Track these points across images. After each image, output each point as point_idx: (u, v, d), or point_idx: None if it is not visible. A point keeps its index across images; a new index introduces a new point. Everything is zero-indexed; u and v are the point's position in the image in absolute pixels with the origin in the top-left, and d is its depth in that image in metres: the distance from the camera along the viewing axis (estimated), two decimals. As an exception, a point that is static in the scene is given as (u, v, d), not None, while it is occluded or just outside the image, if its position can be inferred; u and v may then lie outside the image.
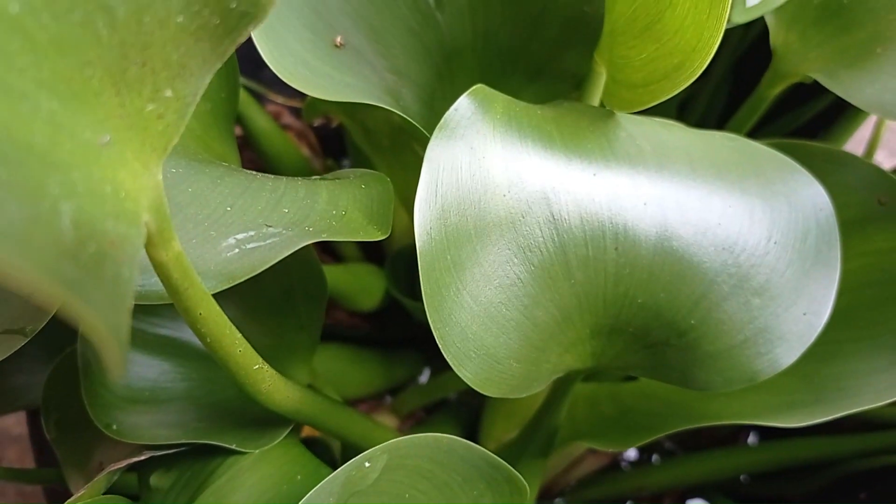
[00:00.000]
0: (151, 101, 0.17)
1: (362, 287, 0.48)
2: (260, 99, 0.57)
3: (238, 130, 0.51)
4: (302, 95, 0.58)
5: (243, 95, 0.49)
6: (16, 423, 0.73)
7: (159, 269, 0.20)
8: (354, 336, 0.55)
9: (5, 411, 0.41)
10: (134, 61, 0.16)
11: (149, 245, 0.19)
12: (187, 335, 0.33)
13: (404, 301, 0.50)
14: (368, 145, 0.47)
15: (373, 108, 0.45)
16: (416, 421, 0.55)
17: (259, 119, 0.51)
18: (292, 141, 0.57)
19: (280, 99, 0.57)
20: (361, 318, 0.55)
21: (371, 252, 0.56)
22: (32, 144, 0.15)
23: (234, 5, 0.17)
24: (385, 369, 0.54)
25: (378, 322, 0.56)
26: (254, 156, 0.55)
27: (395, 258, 0.52)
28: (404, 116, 0.30)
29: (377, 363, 0.54)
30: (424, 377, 0.58)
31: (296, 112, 0.58)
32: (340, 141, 0.60)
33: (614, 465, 0.56)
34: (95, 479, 0.30)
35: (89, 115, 0.16)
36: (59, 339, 0.41)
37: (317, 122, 0.55)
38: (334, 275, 0.46)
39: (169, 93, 0.17)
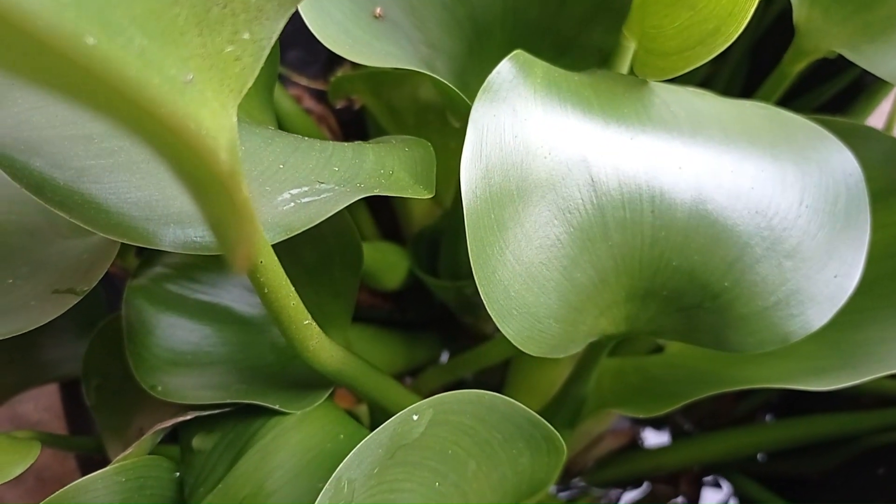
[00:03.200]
0: (230, 42, 0.18)
1: (389, 265, 0.48)
2: (283, 81, 0.58)
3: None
4: (325, 78, 0.59)
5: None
6: (34, 408, 0.73)
7: (227, 213, 0.20)
8: (376, 317, 0.56)
9: (38, 383, 0.42)
10: (216, 2, 0.17)
11: (221, 187, 0.19)
12: (227, 300, 0.34)
13: (427, 280, 0.50)
14: (393, 125, 0.48)
15: (400, 85, 0.45)
16: (437, 400, 0.55)
17: (283, 100, 0.51)
18: (314, 124, 0.57)
19: (303, 81, 0.58)
20: (382, 298, 0.56)
21: (388, 232, 0.57)
22: (126, 79, 0.15)
23: (312, -51, 0.17)
24: (406, 350, 0.55)
25: (399, 303, 0.57)
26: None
27: (417, 238, 0.52)
28: (443, 82, 0.31)
29: (399, 344, 0.54)
30: (444, 359, 0.59)
31: (317, 96, 0.59)
32: (361, 125, 0.61)
33: (632, 444, 0.57)
34: (140, 440, 0.31)
35: (175, 53, 0.17)
36: (90, 314, 0.41)
37: (340, 105, 0.55)
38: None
39: (246, 35, 0.18)
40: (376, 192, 0.25)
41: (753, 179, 0.30)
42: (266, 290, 0.23)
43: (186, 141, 0.12)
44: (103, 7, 0.15)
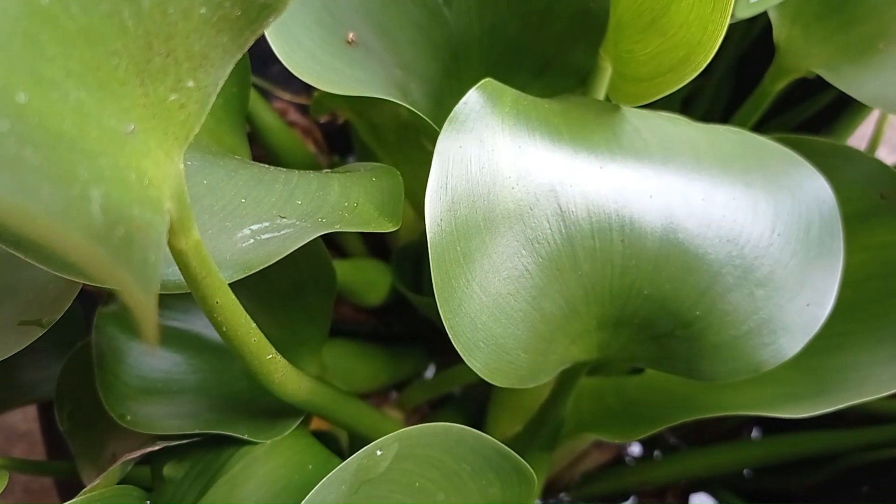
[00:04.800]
0: (174, 90, 0.17)
1: (368, 282, 0.48)
2: (266, 95, 0.57)
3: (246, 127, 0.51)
4: (308, 92, 0.58)
5: (251, 92, 0.49)
6: (23, 419, 0.73)
7: (178, 257, 0.20)
8: (360, 331, 0.56)
9: (17, 405, 0.42)
10: (158, 52, 0.17)
11: (169, 233, 0.19)
12: (199, 327, 0.34)
13: (410, 296, 0.50)
14: (375, 141, 0.48)
15: (380, 103, 0.45)
16: (421, 416, 0.55)
17: (266, 115, 0.51)
18: (298, 137, 0.57)
19: (287, 96, 0.57)
20: (367, 314, 0.56)
21: (375, 247, 0.57)
22: (62, 132, 0.15)
23: (255, -3, 0.17)
24: (390, 365, 0.55)
25: (383, 317, 0.57)
26: (260, 151, 0.56)
27: (401, 253, 0.52)
28: (413, 110, 0.31)
29: (383, 358, 0.54)
30: (430, 373, 0.59)
31: (302, 109, 0.59)
32: (346, 138, 0.60)
33: (618, 460, 0.57)
34: (109, 469, 0.30)
35: (115, 104, 0.16)
36: (69, 334, 0.41)
37: (323, 119, 0.55)
38: (341, 270, 0.46)
39: (191, 83, 0.18)
40: (337, 229, 0.25)
41: (725, 207, 0.30)
42: (224, 329, 0.23)
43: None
44: (36, 62, 0.15)
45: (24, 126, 0.14)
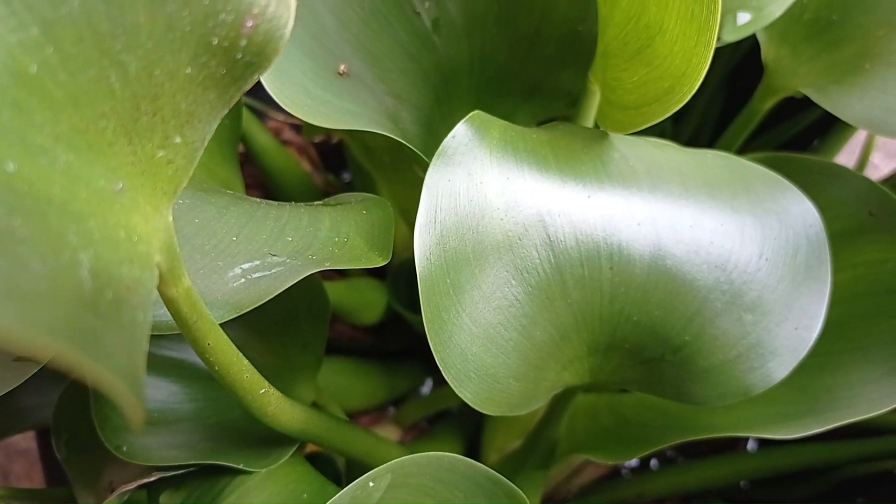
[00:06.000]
0: (162, 147, 0.18)
1: (364, 302, 0.48)
2: (261, 116, 0.58)
3: (240, 147, 0.52)
4: (302, 112, 0.59)
5: (245, 114, 0.49)
6: (22, 437, 0.73)
7: (169, 304, 0.21)
8: (356, 348, 0.56)
9: (16, 431, 0.42)
10: (145, 112, 0.17)
11: (160, 283, 0.19)
12: (193, 357, 0.34)
13: (405, 314, 0.50)
14: (369, 162, 0.48)
15: (372, 127, 0.45)
16: (418, 432, 0.55)
17: (260, 136, 0.52)
18: (293, 156, 0.58)
19: (281, 116, 0.58)
20: (363, 331, 0.56)
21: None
22: (52, 197, 0.15)
23: (240, 56, 0.17)
24: (387, 381, 0.55)
25: (380, 334, 0.57)
26: (256, 172, 0.56)
27: (396, 272, 0.52)
28: (405, 143, 0.31)
29: (379, 375, 0.54)
30: (427, 387, 0.59)
31: (297, 128, 0.59)
32: (341, 155, 0.61)
33: (615, 472, 0.57)
34: (107, 500, 0.31)
35: (103, 164, 0.17)
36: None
37: (317, 139, 0.55)
38: (337, 291, 0.47)
39: (178, 139, 0.18)
40: (327, 266, 0.25)
41: (712, 233, 0.30)
42: (217, 368, 0.24)
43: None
44: (24, 129, 0.15)
45: (13, 195, 0.14)
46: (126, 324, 0.15)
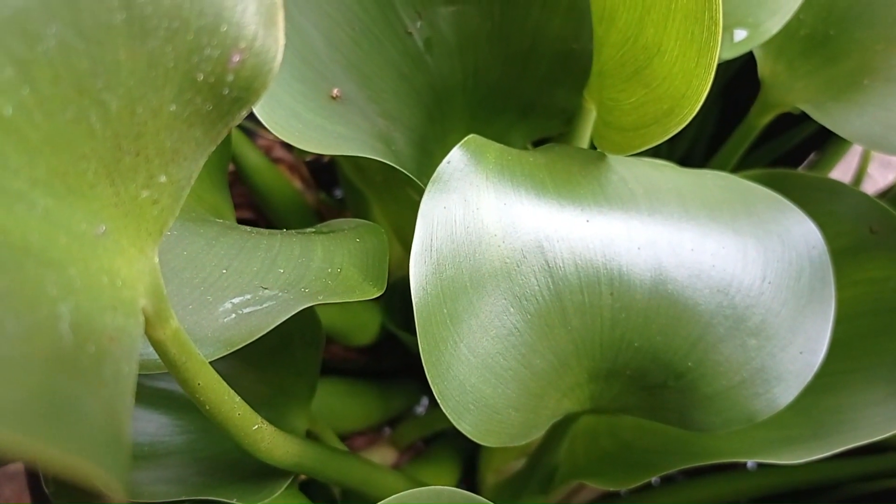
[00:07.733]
0: (146, 187, 0.17)
1: (358, 324, 0.48)
2: (251, 134, 0.57)
3: (230, 167, 0.51)
4: (293, 130, 0.58)
5: (234, 132, 0.49)
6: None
7: (157, 346, 0.20)
8: (350, 369, 0.55)
9: (2, 464, 0.41)
10: (127, 151, 0.16)
11: (146, 326, 0.19)
12: (184, 387, 0.33)
13: (400, 335, 0.50)
14: (361, 181, 0.47)
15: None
16: (415, 452, 0.55)
17: (250, 155, 0.51)
18: (284, 174, 0.57)
19: (271, 134, 0.57)
20: (357, 352, 0.55)
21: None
22: (29, 245, 0.15)
23: (227, 91, 0.17)
24: (382, 401, 0.54)
25: (374, 353, 0.56)
26: (246, 191, 0.55)
27: (390, 291, 0.51)
28: (398, 168, 0.30)
29: (374, 395, 0.54)
30: (422, 406, 0.58)
31: (287, 145, 0.58)
32: (333, 172, 0.60)
33: (614, 492, 0.56)
34: (95, 537, 0.30)
35: (84, 207, 0.16)
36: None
37: (309, 157, 0.55)
38: (330, 313, 0.46)
39: (163, 178, 0.17)
40: (321, 300, 0.24)
41: (714, 256, 0.30)
42: (208, 407, 0.23)
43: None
44: None
45: (-12, 247, 0.14)
46: (109, 379, 0.14)
